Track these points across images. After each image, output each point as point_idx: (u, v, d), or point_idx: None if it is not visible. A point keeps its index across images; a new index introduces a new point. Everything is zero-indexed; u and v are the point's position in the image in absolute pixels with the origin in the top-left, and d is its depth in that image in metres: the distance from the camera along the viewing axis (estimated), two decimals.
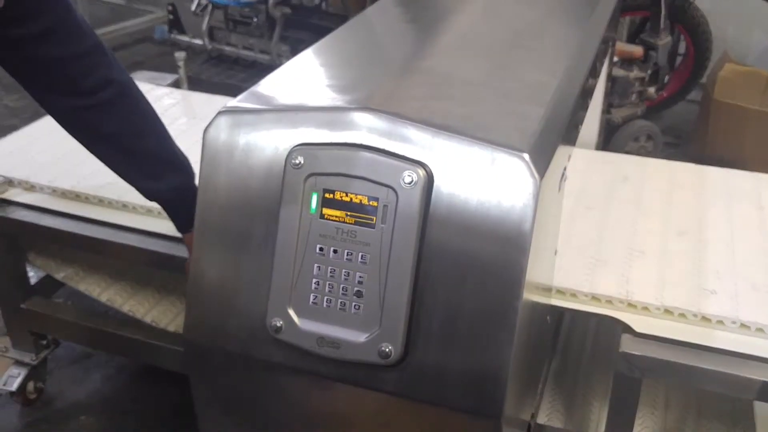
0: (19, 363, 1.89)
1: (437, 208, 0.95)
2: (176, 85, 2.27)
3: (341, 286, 0.98)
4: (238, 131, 1.02)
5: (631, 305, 1.32)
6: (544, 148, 0.97)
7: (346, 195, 0.97)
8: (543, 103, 1.06)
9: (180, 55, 2.18)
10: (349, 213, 0.97)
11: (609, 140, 2.89)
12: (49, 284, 1.93)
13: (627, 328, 1.28)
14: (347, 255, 0.97)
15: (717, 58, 3.22)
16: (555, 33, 1.42)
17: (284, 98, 1.07)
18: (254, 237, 1.03)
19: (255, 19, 3.82)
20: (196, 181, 1.36)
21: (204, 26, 3.87)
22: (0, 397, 1.91)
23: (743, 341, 1.26)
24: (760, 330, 1.27)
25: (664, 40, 2.84)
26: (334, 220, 0.97)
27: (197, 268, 1.07)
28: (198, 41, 3.97)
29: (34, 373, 1.91)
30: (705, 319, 1.29)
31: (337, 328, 0.98)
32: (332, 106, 1.00)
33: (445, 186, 0.94)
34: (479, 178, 0.93)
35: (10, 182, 1.75)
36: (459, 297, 0.96)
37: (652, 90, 2.92)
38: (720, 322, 1.29)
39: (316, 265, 0.99)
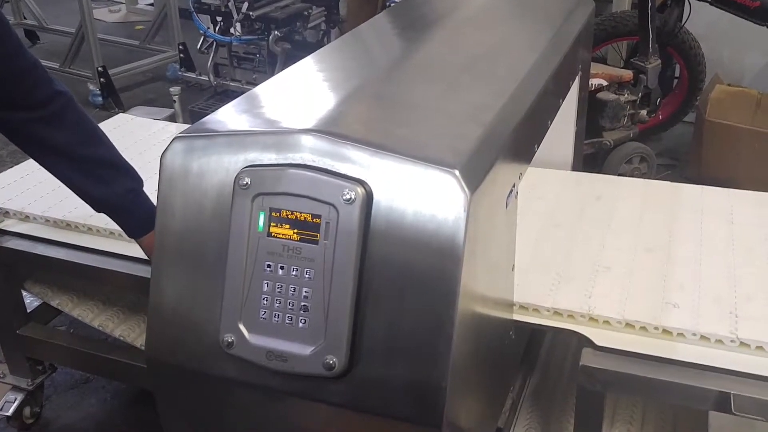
0: (16, 388, 1.95)
1: (377, 223, 0.99)
2: (172, 119, 2.35)
3: (288, 301, 1.02)
4: (192, 155, 1.08)
5: (592, 319, 1.34)
6: (477, 165, 1.01)
7: (291, 213, 1.01)
8: (483, 124, 1.10)
9: (175, 90, 2.26)
10: (294, 230, 1.02)
11: (602, 163, 2.92)
12: (48, 311, 2.00)
13: (588, 342, 1.30)
14: (293, 271, 1.02)
15: (710, 80, 3.25)
16: (511, 57, 1.46)
17: (237, 123, 1.13)
18: (208, 256, 1.08)
19: (258, 56, 3.93)
20: (144, 188, 1.44)
21: (209, 63, 3.99)
22: None
23: (704, 353, 1.28)
24: (719, 341, 1.28)
25: (654, 63, 2.88)
26: (281, 238, 1.02)
27: (157, 287, 1.12)
28: (205, 78, 4.09)
29: (31, 398, 1.97)
30: (666, 332, 1.31)
31: (284, 342, 1.02)
32: (278, 130, 1.06)
33: (383, 202, 0.99)
34: (414, 193, 0.97)
35: (6, 213, 1.82)
36: (400, 309, 0.99)
37: (644, 113, 2.95)
38: (681, 334, 1.31)
39: (264, 281, 1.03)
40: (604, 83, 2.88)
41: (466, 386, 1.07)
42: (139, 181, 1.48)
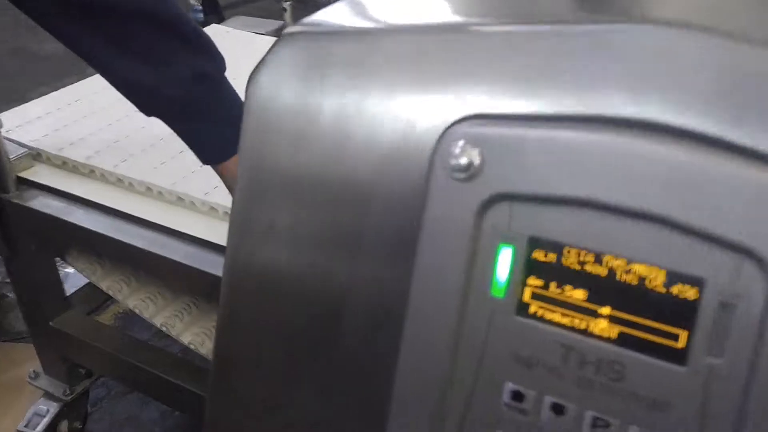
0: (49, 396, 1.42)
1: None
2: (278, 34, 1.72)
3: None
4: (319, 79, 0.42)
5: None
6: None
7: (598, 260, 0.35)
8: None
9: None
10: (605, 311, 0.35)
11: None
12: (95, 294, 1.44)
13: None
14: (596, 427, 0.36)
15: None
16: None
17: (424, 12, 0.46)
18: (348, 323, 0.43)
19: None
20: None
21: None
22: None
23: None
24: None
25: None
26: (561, 325, 0.36)
27: (219, 375, 0.49)
28: None
29: (69, 410, 1.42)
30: None
31: None
32: (554, 22, 0.38)
33: None
34: None
35: (37, 156, 1.26)
36: None
37: None
38: None
39: None
40: None
41: None
42: (218, 61, 0.84)
